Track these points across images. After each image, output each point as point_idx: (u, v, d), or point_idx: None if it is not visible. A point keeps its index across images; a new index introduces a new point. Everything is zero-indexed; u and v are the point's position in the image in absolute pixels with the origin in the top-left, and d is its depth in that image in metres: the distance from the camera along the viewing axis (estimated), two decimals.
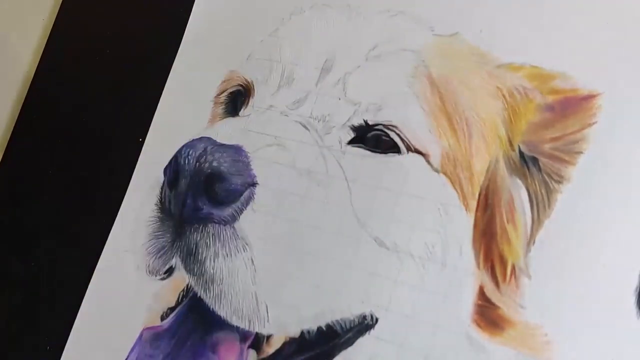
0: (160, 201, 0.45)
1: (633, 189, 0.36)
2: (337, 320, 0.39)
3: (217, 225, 0.42)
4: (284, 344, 0.40)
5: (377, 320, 0.38)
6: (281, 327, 0.40)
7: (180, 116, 0.47)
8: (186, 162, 0.43)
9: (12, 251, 0.50)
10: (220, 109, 0.46)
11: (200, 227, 0.42)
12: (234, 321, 0.41)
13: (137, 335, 0.43)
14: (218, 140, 0.44)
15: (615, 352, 0.34)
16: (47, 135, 0.53)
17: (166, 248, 0.44)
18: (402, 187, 0.40)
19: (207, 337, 0.42)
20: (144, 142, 0.47)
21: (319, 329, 0.40)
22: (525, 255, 0.36)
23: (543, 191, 0.37)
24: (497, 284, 0.37)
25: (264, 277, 0.41)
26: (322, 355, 0.39)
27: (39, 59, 0.55)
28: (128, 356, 0.43)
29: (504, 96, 0.39)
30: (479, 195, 0.38)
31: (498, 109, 0.39)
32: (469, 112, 0.39)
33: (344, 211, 0.40)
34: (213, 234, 0.42)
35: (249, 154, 0.43)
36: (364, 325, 0.39)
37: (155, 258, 0.44)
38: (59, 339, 0.46)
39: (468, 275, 0.37)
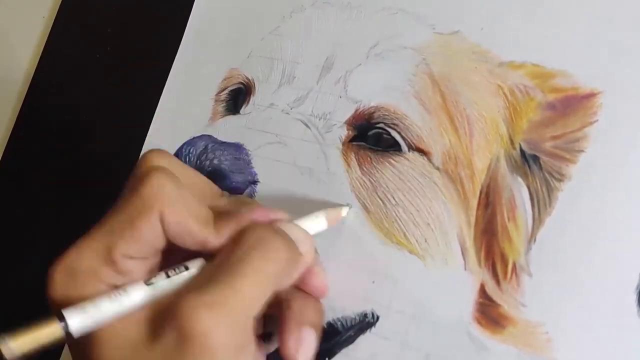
0: None
1: (634, 187, 0.36)
2: (338, 318, 0.39)
3: None
4: None
5: (378, 318, 0.39)
6: None
7: (181, 114, 0.47)
8: (187, 160, 0.43)
9: (12, 251, 0.50)
10: (221, 107, 0.46)
11: None
12: None
13: None
14: (219, 138, 0.44)
15: (615, 350, 0.34)
16: (47, 132, 0.53)
17: None
18: (403, 185, 0.40)
19: None
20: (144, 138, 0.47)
21: None
22: (526, 253, 0.36)
23: (544, 189, 0.37)
24: (498, 282, 0.37)
25: None
26: (322, 353, 0.39)
27: (39, 57, 0.55)
28: None
29: (505, 94, 0.39)
30: (480, 193, 0.38)
31: (499, 107, 0.39)
32: (470, 110, 0.39)
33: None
34: None
35: (249, 152, 0.43)
36: (365, 323, 0.39)
37: None
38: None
39: (469, 273, 0.37)
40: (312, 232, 0.38)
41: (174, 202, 0.34)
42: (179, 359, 0.30)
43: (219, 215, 0.35)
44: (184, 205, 0.34)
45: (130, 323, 0.32)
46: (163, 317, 0.31)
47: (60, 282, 0.33)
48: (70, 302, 0.32)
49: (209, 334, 0.30)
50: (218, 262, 0.33)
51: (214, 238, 0.34)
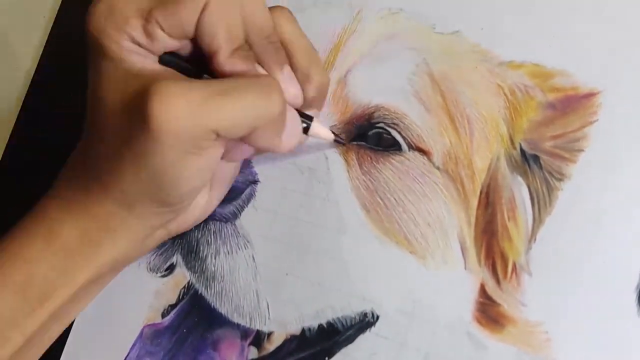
0: None
1: (633, 187, 0.36)
2: (337, 318, 0.39)
3: (218, 222, 0.42)
4: (285, 341, 0.40)
5: (377, 317, 0.39)
6: (282, 325, 0.40)
7: None
8: None
9: None
10: None
11: (202, 225, 0.42)
12: (235, 318, 0.41)
13: (138, 332, 0.44)
14: None
15: (615, 349, 0.34)
16: (47, 133, 0.53)
17: (167, 245, 0.44)
18: (403, 185, 0.40)
19: (208, 334, 0.42)
20: None
21: (320, 326, 0.40)
22: (526, 252, 0.36)
23: (544, 189, 0.37)
24: (498, 281, 0.37)
25: (265, 275, 0.41)
26: (322, 352, 0.39)
27: (39, 57, 0.55)
28: (129, 353, 0.43)
29: (505, 94, 0.39)
30: (480, 192, 0.38)
31: (499, 106, 0.39)
32: (470, 110, 0.39)
33: (345, 208, 0.40)
34: (214, 232, 0.42)
35: None
36: (365, 322, 0.39)
37: (156, 255, 0.44)
38: (59, 336, 0.46)
39: (469, 272, 0.37)
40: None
41: (224, 1, 0.35)
42: (135, 130, 0.33)
43: (250, 50, 0.36)
44: (229, 8, 0.35)
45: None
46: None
47: (99, 13, 0.36)
48: (101, 33, 0.36)
49: (161, 115, 0.32)
50: (216, 79, 0.36)
51: (225, 58, 0.35)
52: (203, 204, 0.40)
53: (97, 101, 0.37)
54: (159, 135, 0.32)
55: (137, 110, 0.33)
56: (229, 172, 0.41)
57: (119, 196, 0.35)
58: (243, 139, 0.35)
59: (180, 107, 0.32)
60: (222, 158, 0.37)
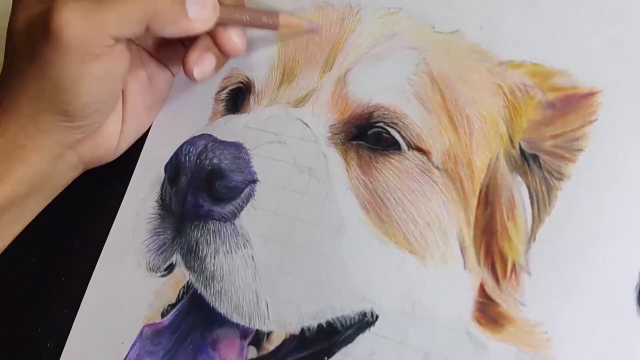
0: (161, 198, 0.45)
1: (633, 186, 0.36)
2: (337, 317, 0.39)
3: (217, 222, 0.42)
4: (284, 341, 0.40)
5: (377, 317, 0.39)
6: (281, 324, 0.40)
7: (181, 113, 0.47)
8: (187, 159, 0.43)
9: (13, 248, 0.50)
10: (221, 106, 0.47)
11: (201, 224, 0.42)
12: (235, 318, 0.41)
13: (138, 332, 0.44)
14: (218, 137, 0.44)
15: (615, 349, 0.34)
16: None
17: (167, 245, 0.44)
18: (402, 185, 0.40)
19: (208, 334, 0.42)
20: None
21: (319, 325, 0.40)
22: (525, 252, 0.36)
23: (543, 188, 0.37)
24: (497, 281, 0.37)
25: (264, 274, 0.41)
26: (322, 352, 0.39)
27: None
28: (128, 353, 0.43)
29: (504, 93, 0.39)
30: (480, 192, 0.38)
31: (499, 106, 0.39)
32: (470, 110, 0.39)
33: (344, 208, 0.40)
34: (213, 231, 0.42)
35: (249, 151, 0.43)
36: (364, 322, 0.39)
37: (156, 255, 0.44)
38: (59, 336, 0.46)
39: (468, 272, 0.37)
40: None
41: None
42: (39, 43, 0.37)
43: None
44: None
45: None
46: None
47: None
48: None
49: (60, 22, 0.36)
50: None
51: None
52: (115, 133, 0.44)
53: (11, 29, 0.40)
54: (58, 40, 0.36)
55: (41, 25, 0.36)
56: (143, 104, 0.45)
57: (25, 110, 0.38)
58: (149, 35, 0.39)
59: (76, 13, 0.36)
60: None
